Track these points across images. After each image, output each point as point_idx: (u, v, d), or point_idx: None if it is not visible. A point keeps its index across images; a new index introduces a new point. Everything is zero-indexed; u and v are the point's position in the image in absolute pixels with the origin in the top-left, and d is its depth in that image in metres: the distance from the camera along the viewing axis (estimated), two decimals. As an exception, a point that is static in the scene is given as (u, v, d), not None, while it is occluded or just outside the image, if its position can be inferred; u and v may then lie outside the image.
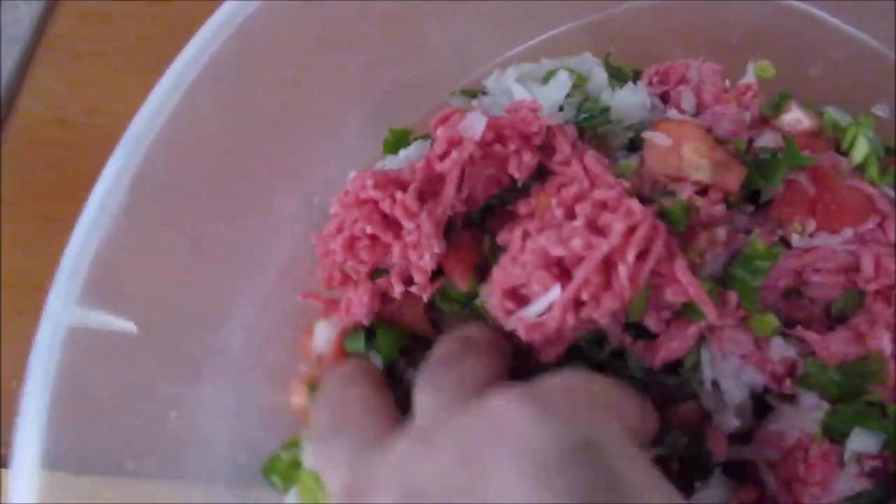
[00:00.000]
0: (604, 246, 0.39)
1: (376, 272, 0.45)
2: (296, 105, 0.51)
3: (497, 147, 0.43)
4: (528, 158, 0.43)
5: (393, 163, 0.49)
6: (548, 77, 0.52)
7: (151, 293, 0.44)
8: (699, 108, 0.52)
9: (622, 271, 0.38)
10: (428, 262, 0.42)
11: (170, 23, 0.73)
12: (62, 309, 0.41)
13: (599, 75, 0.53)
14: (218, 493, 0.46)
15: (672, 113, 0.50)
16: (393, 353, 0.45)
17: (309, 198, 0.51)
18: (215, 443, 0.45)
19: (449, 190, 0.43)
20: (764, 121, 0.52)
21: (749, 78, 0.53)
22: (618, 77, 0.55)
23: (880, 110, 0.55)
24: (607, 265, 0.39)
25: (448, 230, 0.44)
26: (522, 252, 0.41)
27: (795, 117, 0.50)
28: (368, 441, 0.36)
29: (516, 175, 0.44)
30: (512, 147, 0.43)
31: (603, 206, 0.40)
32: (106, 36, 0.75)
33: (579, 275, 0.39)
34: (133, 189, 0.42)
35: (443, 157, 0.43)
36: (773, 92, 0.53)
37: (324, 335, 0.46)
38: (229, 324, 0.47)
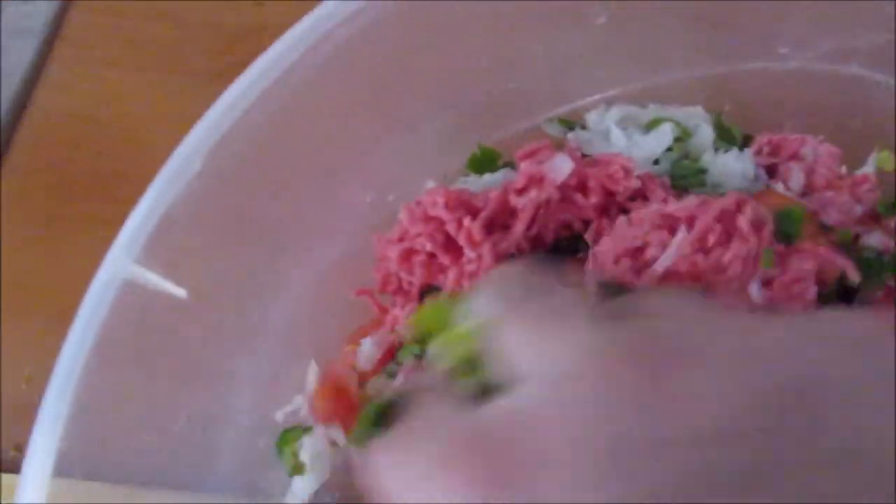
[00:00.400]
0: (719, 203, 0.39)
1: (428, 289, 0.44)
2: (383, 101, 0.50)
3: (577, 196, 0.41)
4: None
5: (475, 184, 0.47)
6: (651, 125, 0.49)
7: (202, 270, 0.44)
8: (807, 190, 0.49)
9: (742, 219, 0.38)
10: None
11: (182, 23, 0.71)
12: (120, 262, 0.41)
13: (705, 133, 0.50)
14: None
15: (778, 187, 0.47)
16: None
17: (383, 195, 0.50)
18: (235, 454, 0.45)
19: (519, 228, 0.41)
20: (875, 218, 0.48)
21: (868, 168, 0.50)
22: (726, 138, 0.52)
23: None
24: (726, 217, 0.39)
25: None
26: (636, 219, 0.40)
27: (910, 220, 0.46)
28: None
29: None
30: (593, 200, 0.41)
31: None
32: (118, 33, 0.74)
33: (701, 221, 0.38)
34: (208, 162, 0.42)
35: (521, 192, 0.42)
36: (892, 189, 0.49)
37: (369, 351, 0.45)
38: (272, 314, 0.47)
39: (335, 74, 0.47)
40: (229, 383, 0.45)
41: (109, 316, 0.40)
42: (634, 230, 0.39)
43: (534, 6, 0.49)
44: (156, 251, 0.41)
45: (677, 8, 0.51)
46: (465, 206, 0.42)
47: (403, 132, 0.51)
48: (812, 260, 0.38)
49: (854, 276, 0.38)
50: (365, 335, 0.48)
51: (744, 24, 0.52)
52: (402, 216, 0.43)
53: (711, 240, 0.38)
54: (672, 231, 0.38)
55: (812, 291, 0.38)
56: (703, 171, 0.47)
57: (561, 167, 0.42)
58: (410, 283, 0.45)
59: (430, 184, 0.50)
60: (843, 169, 0.49)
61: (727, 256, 0.37)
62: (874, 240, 0.45)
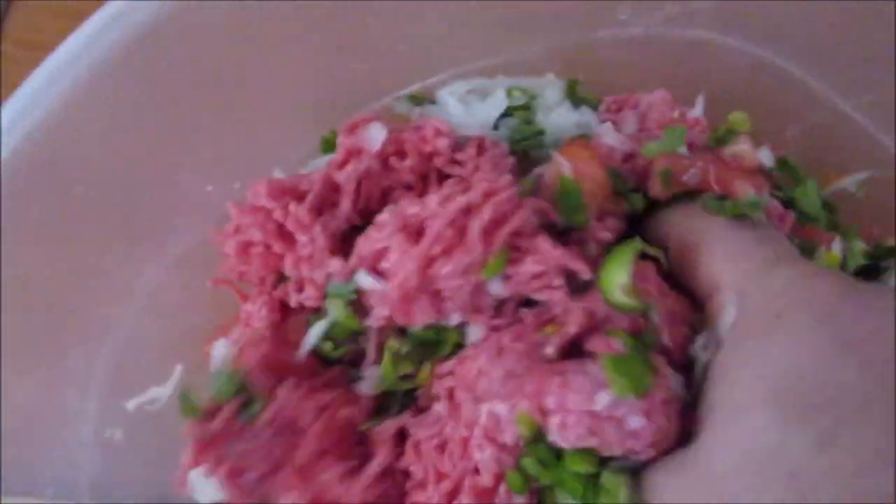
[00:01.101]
0: (460, 200, 0.37)
1: (280, 278, 0.44)
2: (224, 87, 0.49)
3: (394, 160, 0.41)
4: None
5: (312, 166, 0.47)
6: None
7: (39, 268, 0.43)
8: (642, 129, 0.49)
9: (475, 225, 0.36)
10: (321, 277, 0.40)
11: None
12: None
13: (551, 97, 0.50)
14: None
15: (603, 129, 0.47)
16: None
17: (227, 184, 0.49)
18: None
19: (345, 203, 0.41)
20: (710, 151, 0.49)
21: (697, 111, 0.50)
22: (581, 104, 0.52)
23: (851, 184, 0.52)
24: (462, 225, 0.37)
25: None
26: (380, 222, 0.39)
27: (739, 149, 0.47)
28: None
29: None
30: (408, 163, 0.41)
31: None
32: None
33: (432, 228, 0.36)
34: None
35: (341, 166, 0.41)
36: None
37: (221, 354, 0.43)
38: (116, 309, 0.46)
39: (167, 58, 0.46)
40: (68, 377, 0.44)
41: None
42: (377, 233, 0.39)
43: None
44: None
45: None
46: (290, 191, 0.41)
47: (248, 119, 0.50)
48: (541, 264, 0.37)
49: (585, 274, 0.37)
50: (226, 332, 0.47)
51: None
52: (231, 211, 0.42)
53: (437, 249, 0.37)
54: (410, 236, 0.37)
55: (557, 282, 0.37)
56: (540, 133, 0.46)
57: (375, 136, 0.41)
58: (261, 281, 0.44)
59: (278, 172, 0.49)
60: (676, 113, 0.50)
61: (446, 269, 0.36)
62: (691, 176, 0.45)
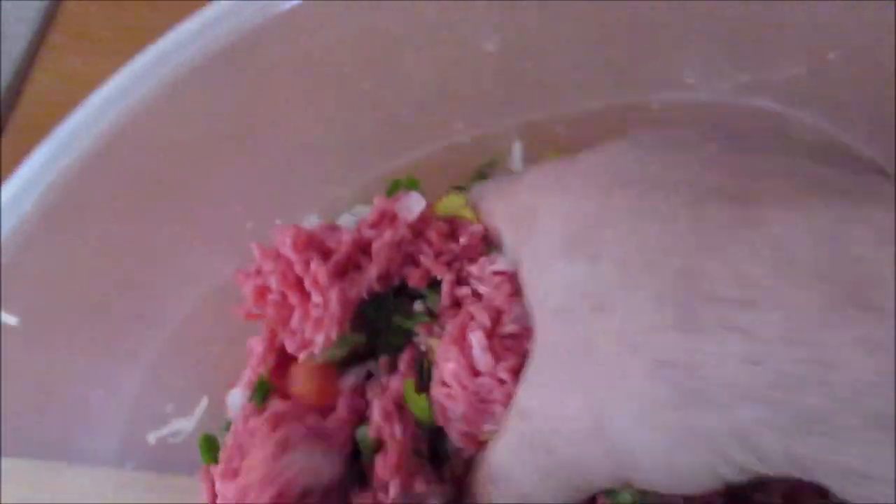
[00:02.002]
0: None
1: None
2: (267, 123, 0.49)
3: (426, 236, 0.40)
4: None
5: (345, 220, 0.46)
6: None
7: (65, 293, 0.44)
8: None
9: None
10: (320, 343, 0.40)
11: (180, 11, 0.70)
12: None
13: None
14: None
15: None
16: None
17: (266, 222, 0.49)
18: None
19: (372, 272, 0.40)
20: None
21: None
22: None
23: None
24: None
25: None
26: None
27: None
28: None
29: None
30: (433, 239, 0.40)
31: None
32: (114, 21, 0.74)
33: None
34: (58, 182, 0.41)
35: (373, 226, 0.41)
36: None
37: (237, 399, 0.43)
38: (142, 339, 0.47)
39: (214, 91, 0.46)
40: (84, 410, 0.45)
41: None
42: None
43: (421, 28, 0.48)
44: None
45: (576, 33, 0.49)
46: (315, 246, 0.41)
47: (290, 158, 0.50)
48: None
49: None
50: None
51: (649, 53, 0.50)
52: (255, 252, 0.42)
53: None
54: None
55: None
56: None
57: (414, 207, 0.40)
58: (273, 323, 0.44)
59: (313, 217, 0.49)
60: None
61: None
62: None
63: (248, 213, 0.49)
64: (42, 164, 0.41)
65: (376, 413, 0.39)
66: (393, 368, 0.41)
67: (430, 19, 0.48)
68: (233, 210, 0.48)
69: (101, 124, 0.42)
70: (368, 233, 0.41)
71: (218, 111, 0.47)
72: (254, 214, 0.49)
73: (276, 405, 0.41)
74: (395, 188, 0.50)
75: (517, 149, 0.52)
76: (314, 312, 0.40)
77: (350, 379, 0.42)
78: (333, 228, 0.43)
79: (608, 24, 0.49)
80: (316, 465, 0.38)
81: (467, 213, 0.42)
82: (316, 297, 0.40)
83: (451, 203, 0.43)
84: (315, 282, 0.40)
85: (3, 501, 0.42)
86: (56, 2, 0.75)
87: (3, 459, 0.42)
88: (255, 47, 0.46)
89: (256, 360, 0.43)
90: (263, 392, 0.42)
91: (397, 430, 0.39)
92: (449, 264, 0.40)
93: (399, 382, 0.40)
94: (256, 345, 0.43)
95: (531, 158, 0.55)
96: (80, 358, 0.44)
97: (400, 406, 0.40)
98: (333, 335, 0.39)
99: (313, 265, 0.40)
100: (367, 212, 0.47)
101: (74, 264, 0.43)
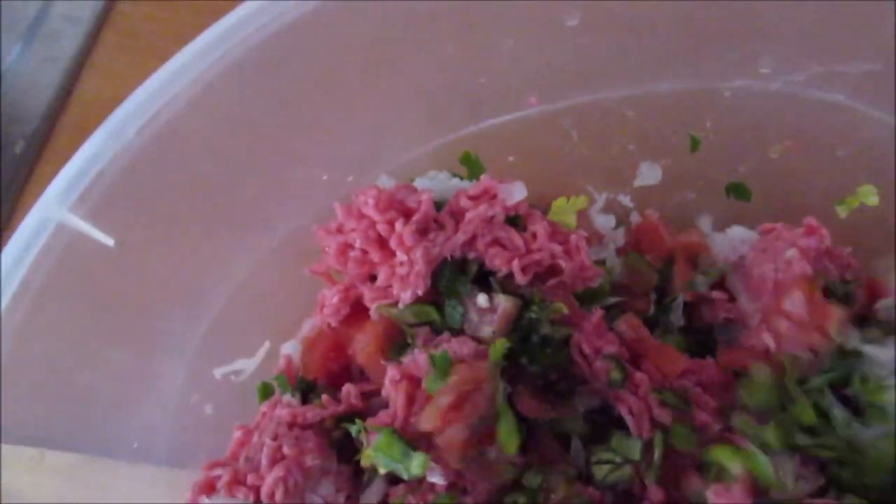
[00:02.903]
0: None
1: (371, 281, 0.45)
2: (349, 87, 0.50)
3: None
4: None
5: (420, 183, 0.48)
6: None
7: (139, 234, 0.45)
8: None
9: None
10: (408, 298, 0.41)
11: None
12: (55, 206, 0.41)
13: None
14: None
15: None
16: None
17: (342, 175, 0.51)
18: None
19: (459, 238, 0.42)
20: None
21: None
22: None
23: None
24: None
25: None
26: None
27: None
28: None
29: None
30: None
31: None
32: (165, 26, 0.74)
33: None
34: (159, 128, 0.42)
35: (472, 198, 0.43)
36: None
37: (289, 351, 0.46)
38: (217, 280, 0.48)
39: (298, 58, 0.47)
40: (160, 340, 0.46)
41: (37, 259, 0.40)
42: None
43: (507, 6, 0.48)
44: (88, 202, 0.41)
45: (654, 16, 0.49)
46: (396, 206, 0.42)
47: (369, 119, 0.51)
48: None
49: None
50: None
51: (726, 40, 0.50)
52: (338, 212, 0.44)
53: None
54: None
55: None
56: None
57: (516, 193, 0.43)
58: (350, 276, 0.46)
59: (383, 178, 0.50)
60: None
61: None
62: None
63: (325, 167, 0.50)
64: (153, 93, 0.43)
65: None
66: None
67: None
68: (311, 164, 0.50)
69: (196, 72, 0.43)
70: (466, 203, 0.43)
71: (306, 75, 0.48)
72: (330, 169, 0.50)
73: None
74: (466, 159, 0.52)
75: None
76: (400, 270, 0.41)
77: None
78: (411, 189, 0.45)
79: (686, 9, 0.50)
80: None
81: (571, 220, 0.45)
82: (401, 256, 0.41)
83: (561, 207, 0.46)
84: (401, 241, 0.41)
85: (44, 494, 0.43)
86: (109, 2, 0.76)
87: (48, 452, 0.43)
88: (338, 18, 0.47)
89: (330, 310, 0.45)
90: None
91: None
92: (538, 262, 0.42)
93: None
94: (331, 296, 0.45)
95: (596, 140, 0.57)
96: (166, 283, 0.46)
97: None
98: (420, 291, 0.41)
99: (398, 225, 0.41)
100: (441, 178, 0.49)
101: (174, 188, 0.45)
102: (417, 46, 0.50)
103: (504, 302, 0.40)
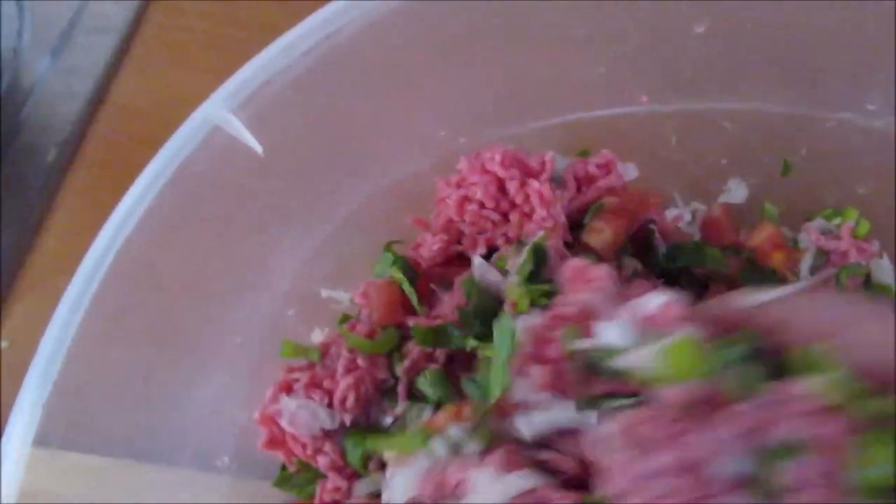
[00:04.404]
0: None
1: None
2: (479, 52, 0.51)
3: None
4: None
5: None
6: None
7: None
8: None
9: None
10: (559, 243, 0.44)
11: (255, 26, 0.73)
12: (217, 106, 0.43)
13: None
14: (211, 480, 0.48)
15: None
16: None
17: (456, 134, 0.52)
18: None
19: (578, 200, 0.45)
20: None
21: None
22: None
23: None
24: None
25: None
26: None
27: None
28: None
29: None
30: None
31: None
32: (193, 35, 0.76)
33: None
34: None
35: (600, 167, 0.47)
36: None
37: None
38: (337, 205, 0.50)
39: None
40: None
41: (194, 153, 0.42)
42: None
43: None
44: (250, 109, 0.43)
45: (777, 38, 0.51)
46: (520, 165, 0.44)
47: (487, 91, 0.53)
48: None
49: None
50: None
51: (839, 70, 0.52)
52: (462, 165, 0.46)
53: None
54: None
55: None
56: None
57: (630, 172, 0.48)
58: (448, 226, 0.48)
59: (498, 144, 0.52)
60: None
61: None
62: None
63: (443, 124, 0.52)
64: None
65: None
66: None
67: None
68: (430, 119, 0.51)
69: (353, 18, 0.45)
70: (593, 169, 0.47)
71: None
72: (448, 127, 0.52)
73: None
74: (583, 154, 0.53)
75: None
76: (545, 224, 0.43)
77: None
78: (528, 153, 0.46)
79: (807, 33, 0.52)
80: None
81: None
82: (541, 211, 0.43)
83: None
84: (541, 197, 0.43)
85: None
86: (139, 13, 0.76)
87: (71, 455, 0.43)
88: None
89: (428, 253, 0.47)
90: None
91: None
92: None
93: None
94: (433, 242, 0.47)
95: (692, 148, 0.59)
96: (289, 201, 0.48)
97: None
98: (560, 242, 0.43)
99: (534, 184, 0.43)
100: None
101: (315, 116, 0.47)
102: (546, 24, 0.52)
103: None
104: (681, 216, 0.54)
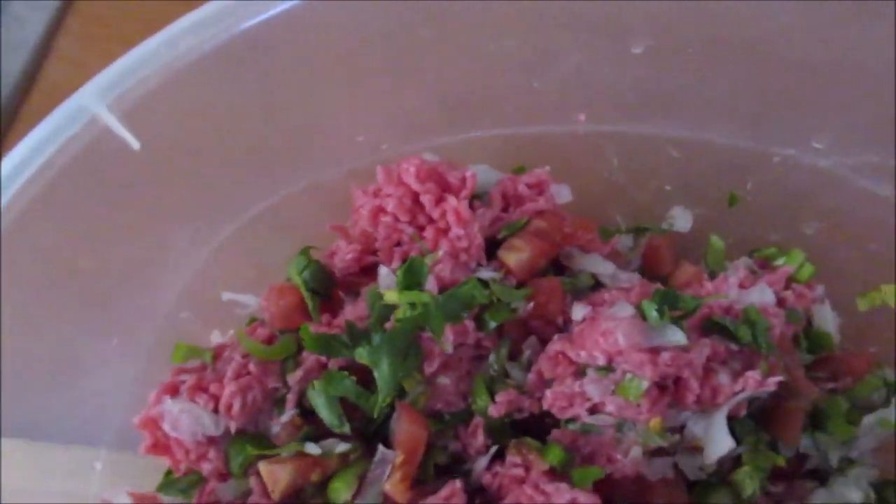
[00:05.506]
0: None
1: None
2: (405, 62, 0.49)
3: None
4: None
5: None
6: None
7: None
8: None
9: None
10: (464, 274, 0.42)
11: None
12: (93, 97, 0.41)
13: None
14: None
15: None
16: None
17: (377, 142, 0.50)
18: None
19: (490, 213, 0.42)
20: None
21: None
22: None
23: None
24: None
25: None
26: None
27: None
28: None
29: None
30: None
31: None
32: (133, 11, 0.72)
33: None
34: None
35: (531, 186, 0.45)
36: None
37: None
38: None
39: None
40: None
41: (65, 145, 0.40)
42: None
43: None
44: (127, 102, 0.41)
45: (727, 67, 0.49)
46: (438, 179, 0.42)
47: (421, 96, 0.51)
48: None
49: None
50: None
51: (788, 105, 0.50)
52: (379, 175, 0.44)
53: None
54: None
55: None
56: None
57: (563, 194, 0.47)
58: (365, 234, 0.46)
59: (427, 154, 0.50)
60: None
61: None
62: None
63: (360, 129, 0.49)
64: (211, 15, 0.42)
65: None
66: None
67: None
68: (346, 124, 0.49)
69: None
70: (523, 189, 0.45)
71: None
72: (366, 132, 0.50)
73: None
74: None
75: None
76: (459, 244, 0.42)
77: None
78: (452, 167, 0.44)
79: (758, 66, 0.50)
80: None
81: None
82: (457, 230, 0.41)
83: None
84: (458, 215, 0.41)
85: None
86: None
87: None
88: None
89: (342, 262, 0.45)
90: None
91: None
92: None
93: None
94: (346, 251, 0.45)
95: (635, 172, 0.57)
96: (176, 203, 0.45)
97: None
98: (473, 266, 0.41)
99: (451, 201, 0.41)
100: (481, 168, 0.49)
101: (207, 116, 0.44)
102: (487, 37, 0.50)
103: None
104: (616, 240, 0.51)
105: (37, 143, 0.38)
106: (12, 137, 0.68)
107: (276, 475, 0.40)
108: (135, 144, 0.40)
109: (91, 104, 0.39)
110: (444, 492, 0.38)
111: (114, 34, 0.72)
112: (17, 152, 0.38)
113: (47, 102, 0.67)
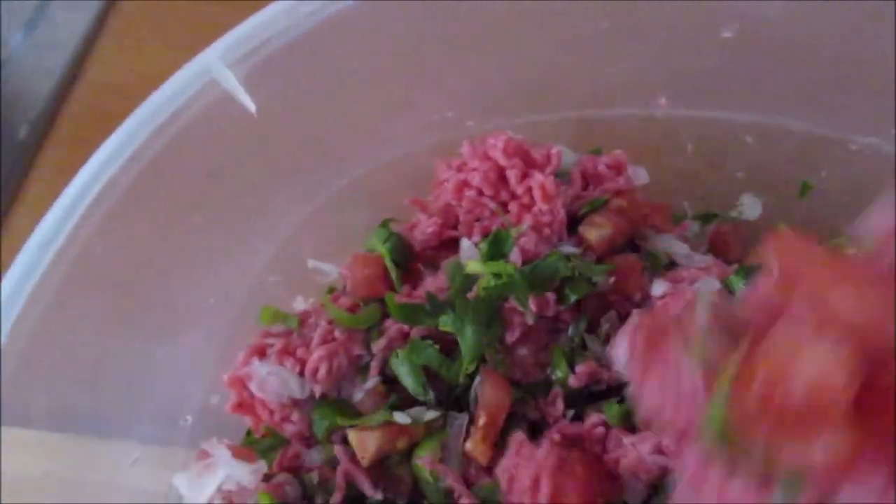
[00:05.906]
0: None
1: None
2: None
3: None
4: None
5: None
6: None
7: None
8: None
9: None
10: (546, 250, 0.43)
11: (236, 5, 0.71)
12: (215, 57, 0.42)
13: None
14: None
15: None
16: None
17: (463, 117, 0.51)
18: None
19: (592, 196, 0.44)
20: None
21: None
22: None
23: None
24: None
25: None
26: None
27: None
28: None
29: None
30: None
31: None
32: (172, 12, 0.73)
33: None
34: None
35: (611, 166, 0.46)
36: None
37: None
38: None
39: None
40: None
41: (187, 103, 0.41)
42: None
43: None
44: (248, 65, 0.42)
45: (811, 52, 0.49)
46: (523, 155, 0.43)
47: (504, 75, 0.51)
48: None
49: None
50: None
51: (868, 95, 0.50)
52: (464, 149, 0.45)
53: None
54: None
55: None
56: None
57: (640, 174, 0.48)
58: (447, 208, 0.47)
59: (509, 132, 0.50)
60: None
61: None
62: None
63: (450, 105, 0.50)
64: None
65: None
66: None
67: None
68: (437, 98, 0.50)
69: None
70: (603, 169, 0.47)
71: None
72: (456, 108, 0.51)
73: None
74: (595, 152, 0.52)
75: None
76: (543, 218, 0.42)
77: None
78: (535, 144, 0.45)
79: (840, 52, 0.50)
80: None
81: None
82: (542, 205, 0.42)
83: None
84: (543, 191, 0.42)
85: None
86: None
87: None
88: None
89: (423, 236, 0.46)
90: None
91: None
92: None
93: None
94: (427, 224, 0.46)
95: (709, 158, 0.57)
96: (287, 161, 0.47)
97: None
98: (555, 241, 0.42)
99: (538, 176, 0.42)
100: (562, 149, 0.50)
101: (320, 79, 0.46)
102: (567, 13, 0.50)
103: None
104: (686, 225, 0.52)
105: (158, 105, 0.40)
106: (54, 138, 0.70)
107: (366, 442, 0.41)
108: (251, 108, 0.42)
109: (214, 67, 0.40)
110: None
111: (152, 34, 0.73)
112: (143, 110, 0.40)
113: (89, 100, 0.70)
